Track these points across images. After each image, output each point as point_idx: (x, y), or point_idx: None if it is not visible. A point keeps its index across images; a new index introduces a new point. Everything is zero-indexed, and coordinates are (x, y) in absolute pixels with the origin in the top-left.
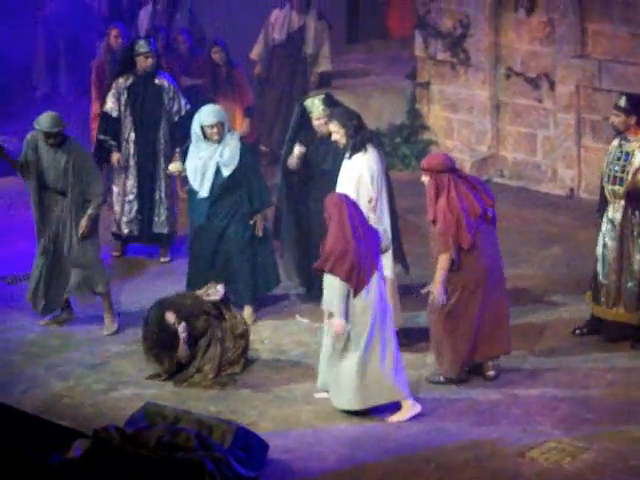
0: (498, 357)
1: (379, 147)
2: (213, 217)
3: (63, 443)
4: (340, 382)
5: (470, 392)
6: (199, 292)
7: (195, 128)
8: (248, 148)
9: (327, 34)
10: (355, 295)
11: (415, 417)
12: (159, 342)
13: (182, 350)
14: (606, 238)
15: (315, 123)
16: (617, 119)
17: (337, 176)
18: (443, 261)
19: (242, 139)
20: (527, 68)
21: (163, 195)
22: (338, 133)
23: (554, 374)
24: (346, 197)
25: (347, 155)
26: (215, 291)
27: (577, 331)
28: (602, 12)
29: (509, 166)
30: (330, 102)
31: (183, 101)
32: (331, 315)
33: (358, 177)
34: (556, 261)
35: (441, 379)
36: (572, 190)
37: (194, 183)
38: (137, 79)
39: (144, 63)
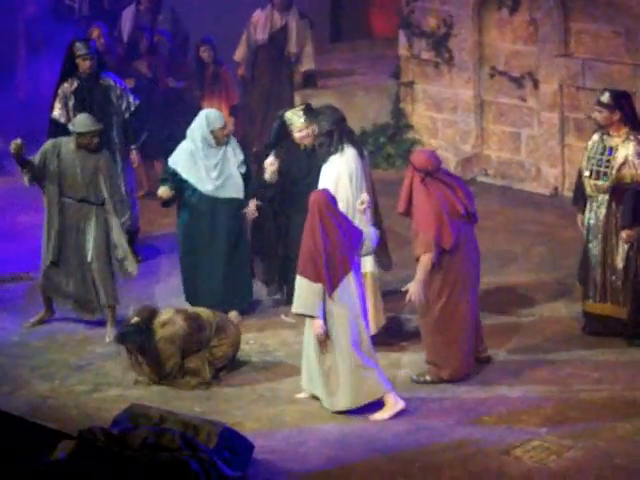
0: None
1: (358, 145)
2: (217, 215)
3: (48, 445)
4: (332, 384)
5: (455, 391)
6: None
7: (204, 133)
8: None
9: (309, 32)
10: (330, 294)
11: (400, 416)
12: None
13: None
14: (590, 233)
15: (296, 135)
16: (600, 115)
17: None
18: (424, 261)
19: None
20: (511, 67)
21: (124, 193)
22: (308, 135)
23: (539, 372)
24: (324, 195)
25: (322, 157)
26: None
27: (586, 328)
28: (585, 11)
29: (493, 165)
30: (311, 112)
31: (131, 97)
32: (299, 317)
33: (336, 178)
34: (541, 259)
35: (427, 379)
36: (556, 189)
37: (203, 184)
38: (81, 82)
39: (84, 65)
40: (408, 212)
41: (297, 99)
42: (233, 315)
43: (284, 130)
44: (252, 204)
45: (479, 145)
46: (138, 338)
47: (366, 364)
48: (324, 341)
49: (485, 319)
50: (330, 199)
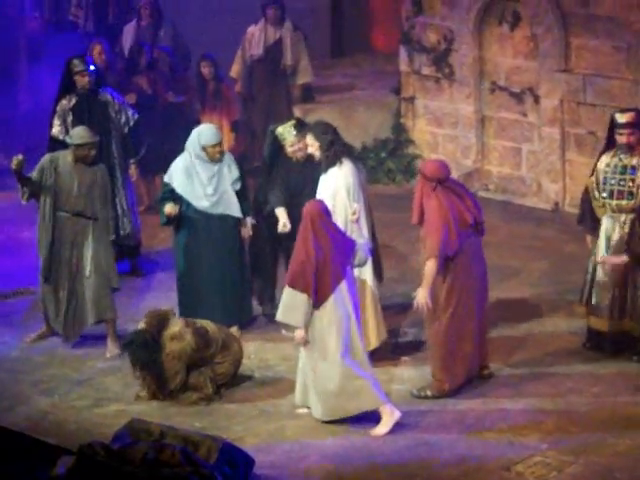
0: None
1: (355, 160)
2: (211, 232)
3: (48, 460)
4: (317, 392)
5: (456, 405)
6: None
7: (196, 150)
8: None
9: (304, 45)
10: (318, 306)
11: (400, 430)
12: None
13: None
14: (609, 251)
15: (289, 150)
16: (633, 137)
17: None
18: (430, 267)
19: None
20: (511, 82)
21: (125, 207)
22: (313, 146)
23: (539, 387)
24: (318, 205)
25: (323, 169)
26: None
27: (587, 344)
28: (586, 27)
29: (494, 180)
30: (301, 126)
31: (130, 111)
32: (288, 326)
33: (334, 191)
34: (542, 274)
35: (428, 393)
36: (557, 204)
37: (198, 200)
38: (79, 98)
39: (82, 81)
40: (422, 222)
41: (298, 114)
42: (234, 330)
43: (277, 145)
44: (248, 222)
45: (480, 160)
46: (144, 354)
47: (357, 374)
48: (305, 347)
49: (486, 333)
50: (323, 210)
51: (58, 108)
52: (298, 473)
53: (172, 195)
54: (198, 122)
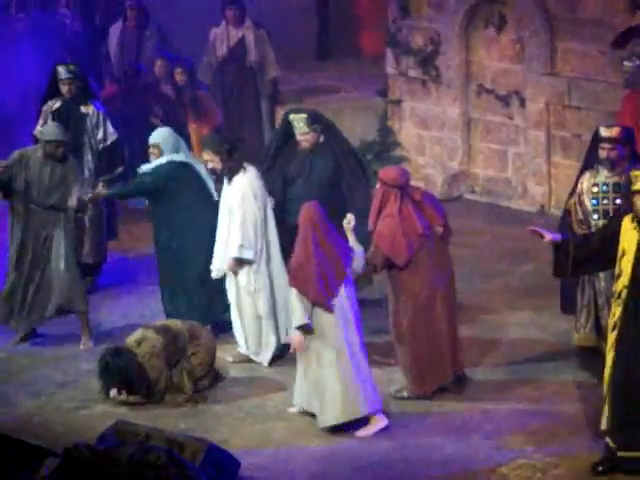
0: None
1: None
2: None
3: (34, 462)
4: (325, 398)
5: (441, 407)
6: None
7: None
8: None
9: (268, 42)
10: (319, 307)
11: (386, 433)
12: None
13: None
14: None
15: (299, 138)
16: (613, 153)
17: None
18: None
19: None
20: (498, 85)
21: (87, 225)
22: (213, 161)
23: (524, 389)
24: (315, 208)
25: (226, 179)
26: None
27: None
28: (571, 31)
29: (480, 182)
30: (314, 119)
31: (110, 130)
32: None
33: (242, 196)
34: (527, 277)
35: (405, 394)
36: (542, 206)
37: None
38: (63, 104)
39: (63, 89)
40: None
41: (281, 113)
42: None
43: (288, 130)
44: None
45: (466, 162)
46: (121, 360)
47: (358, 379)
48: (302, 351)
49: (471, 336)
50: (321, 212)
51: (43, 108)
52: (284, 475)
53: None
54: (184, 130)
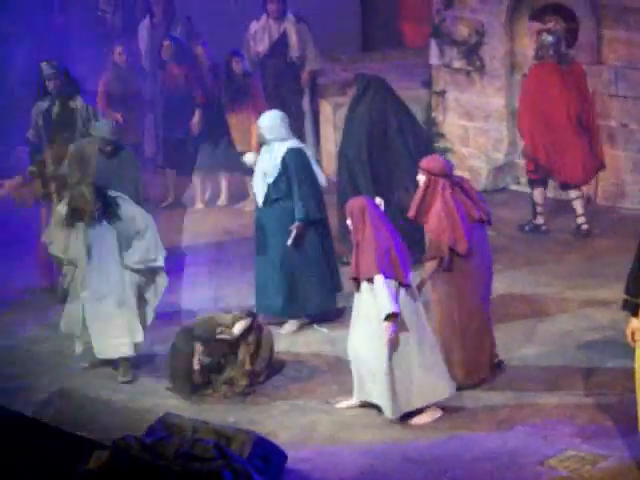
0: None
1: None
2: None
3: (83, 454)
4: (413, 383)
5: (488, 400)
6: (221, 320)
7: None
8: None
9: (310, 35)
10: (408, 285)
11: (433, 425)
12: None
13: (197, 376)
14: None
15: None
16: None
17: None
18: (429, 267)
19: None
20: None
21: None
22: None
23: (573, 381)
24: (367, 200)
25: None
26: (229, 332)
27: None
28: (618, 19)
29: (525, 173)
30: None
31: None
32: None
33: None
34: (573, 268)
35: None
36: (589, 197)
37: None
38: (52, 102)
39: (49, 85)
40: (418, 217)
41: (328, 108)
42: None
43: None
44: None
45: (511, 153)
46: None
47: (428, 365)
48: (402, 344)
49: (517, 326)
50: (371, 204)
51: (32, 111)
52: (331, 467)
53: None
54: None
